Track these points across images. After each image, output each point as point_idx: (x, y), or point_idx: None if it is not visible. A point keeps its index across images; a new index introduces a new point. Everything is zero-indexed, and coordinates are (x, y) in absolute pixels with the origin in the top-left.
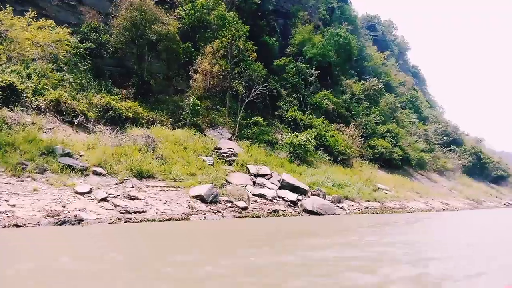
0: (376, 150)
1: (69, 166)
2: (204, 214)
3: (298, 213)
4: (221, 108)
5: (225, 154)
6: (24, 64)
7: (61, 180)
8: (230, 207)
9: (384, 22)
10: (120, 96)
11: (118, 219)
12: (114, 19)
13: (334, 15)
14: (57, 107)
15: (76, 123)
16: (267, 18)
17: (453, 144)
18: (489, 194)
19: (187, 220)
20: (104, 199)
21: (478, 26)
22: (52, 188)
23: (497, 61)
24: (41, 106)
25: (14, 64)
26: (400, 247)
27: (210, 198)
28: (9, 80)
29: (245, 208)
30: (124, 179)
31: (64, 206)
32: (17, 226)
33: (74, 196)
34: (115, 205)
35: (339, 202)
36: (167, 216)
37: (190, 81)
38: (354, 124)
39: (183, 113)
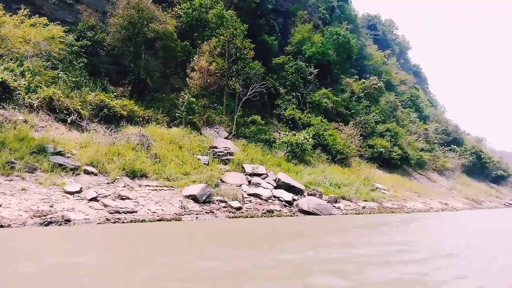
0: (375, 150)
1: (60, 165)
2: (196, 214)
3: (294, 213)
4: (218, 106)
5: (220, 153)
6: (18, 62)
7: (51, 179)
8: (224, 207)
9: (385, 22)
10: (115, 94)
11: (107, 219)
12: (111, 17)
13: (334, 14)
14: (50, 105)
15: (69, 121)
16: (266, 17)
17: (453, 143)
18: (489, 194)
19: (178, 220)
20: (93, 199)
21: (480, 25)
22: (41, 188)
23: (500, 60)
24: (33, 104)
25: (8, 62)
26: (381, 249)
27: (204, 198)
28: (1, 78)
29: (239, 208)
30: (116, 179)
31: (52, 206)
32: (1, 226)
33: (63, 196)
34: (105, 205)
35: (336, 202)
36: (158, 216)
37: (187, 79)
38: (353, 123)
39: (178, 111)
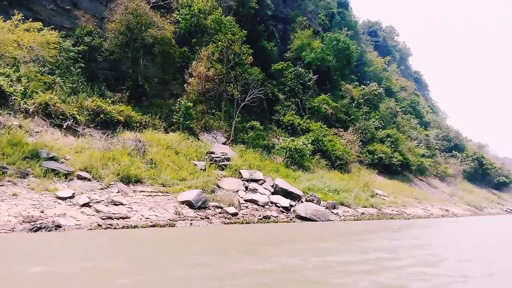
0: (375, 155)
1: (53, 170)
2: (191, 220)
3: (291, 219)
4: (216, 112)
5: (217, 159)
6: (15, 67)
7: (43, 184)
8: (220, 213)
9: (386, 28)
10: (113, 99)
11: (99, 225)
12: (109, 23)
13: (334, 20)
14: (46, 110)
15: (65, 127)
16: (266, 23)
17: (454, 149)
18: (491, 201)
19: (172, 226)
20: (86, 205)
21: (482, 32)
22: (32, 193)
23: (503, 67)
24: (29, 109)
25: (4, 67)
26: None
27: (199, 204)
28: None
29: (235, 214)
30: (110, 184)
31: (42, 212)
32: None
33: (55, 201)
34: (97, 211)
35: (334, 208)
36: (151, 222)
37: (185, 85)
38: (353, 129)
39: (175, 116)
